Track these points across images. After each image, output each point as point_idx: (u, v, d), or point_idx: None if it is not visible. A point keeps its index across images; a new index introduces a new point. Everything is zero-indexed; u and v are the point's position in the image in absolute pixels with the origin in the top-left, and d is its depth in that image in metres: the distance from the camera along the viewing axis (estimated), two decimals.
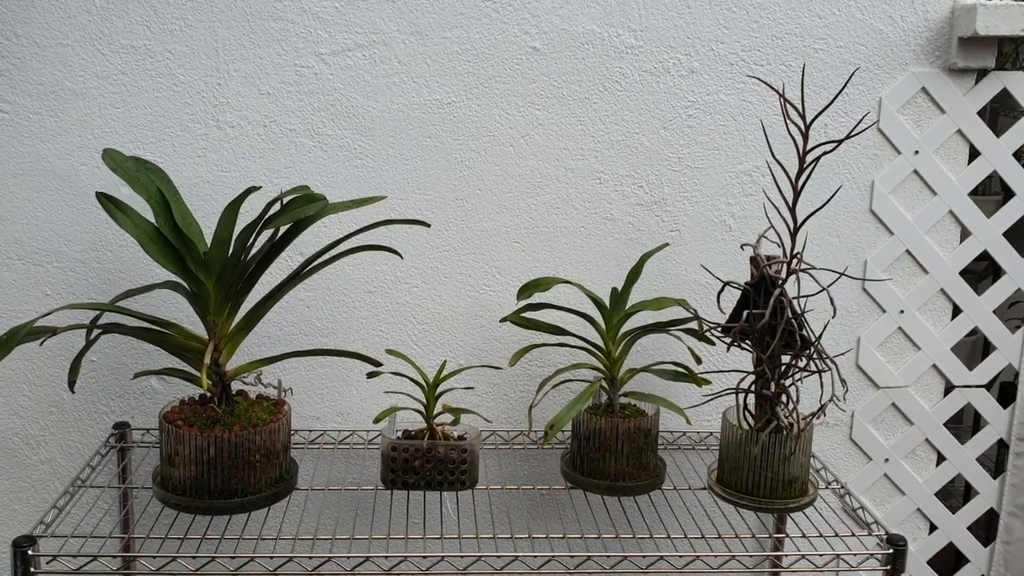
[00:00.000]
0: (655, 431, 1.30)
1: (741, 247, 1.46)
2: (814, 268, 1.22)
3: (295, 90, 1.38)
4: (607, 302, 1.31)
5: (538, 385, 1.35)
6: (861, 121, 1.42)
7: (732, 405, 1.27)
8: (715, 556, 1.15)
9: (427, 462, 1.27)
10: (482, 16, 1.38)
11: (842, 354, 1.49)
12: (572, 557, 1.14)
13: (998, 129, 1.48)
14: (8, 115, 1.36)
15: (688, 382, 1.31)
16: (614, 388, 1.31)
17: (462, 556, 1.13)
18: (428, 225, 1.27)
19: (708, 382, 1.31)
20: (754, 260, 1.22)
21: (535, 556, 1.13)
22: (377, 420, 1.28)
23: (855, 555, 1.16)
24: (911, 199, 1.47)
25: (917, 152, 1.45)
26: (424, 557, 1.12)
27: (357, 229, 1.23)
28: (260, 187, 1.19)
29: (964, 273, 1.51)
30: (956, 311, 1.52)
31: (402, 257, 1.38)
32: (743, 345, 1.25)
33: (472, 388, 1.46)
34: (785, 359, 1.22)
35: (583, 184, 1.44)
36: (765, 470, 1.21)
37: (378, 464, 1.37)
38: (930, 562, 1.60)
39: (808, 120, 1.16)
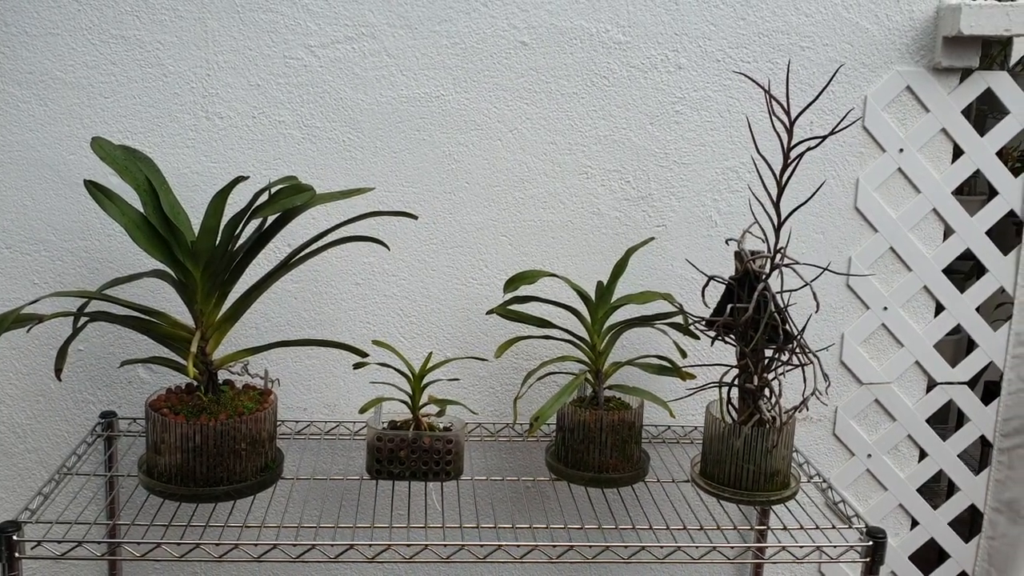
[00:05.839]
0: (639, 424, 1.31)
1: (726, 242, 1.47)
2: (797, 263, 1.23)
3: (284, 82, 1.39)
4: (593, 295, 1.32)
5: (523, 377, 1.36)
6: (845, 117, 1.43)
7: (716, 399, 1.28)
8: (696, 547, 1.16)
9: (412, 452, 1.27)
10: (471, 10, 1.39)
11: (825, 348, 1.50)
12: (554, 547, 1.15)
13: (985, 131, 1.49)
14: None
15: (672, 376, 1.32)
16: (599, 381, 1.32)
17: (445, 545, 1.13)
18: (415, 217, 1.28)
19: (692, 376, 1.32)
20: (738, 255, 1.23)
21: (518, 546, 1.14)
22: (363, 410, 1.29)
23: (835, 547, 1.17)
24: (895, 197, 1.49)
25: (901, 150, 1.46)
26: (408, 545, 1.13)
27: (344, 220, 1.23)
28: (248, 177, 1.19)
29: (951, 273, 1.53)
30: (939, 309, 1.53)
31: (389, 249, 1.39)
32: (727, 339, 1.26)
33: (458, 379, 1.47)
34: (768, 353, 1.23)
35: (570, 179, 1.45)
36: (747, 463, 1.22)
37: (364, 455, 1.37)
38: (911, 558, 1.61)
39: (793, 116, 1.17)
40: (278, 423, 1.32)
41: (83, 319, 1.17)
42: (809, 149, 1.19)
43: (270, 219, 1.21)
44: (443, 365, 1.37)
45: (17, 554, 1.06)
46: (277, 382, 1.46)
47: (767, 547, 1.21)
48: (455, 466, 1.29)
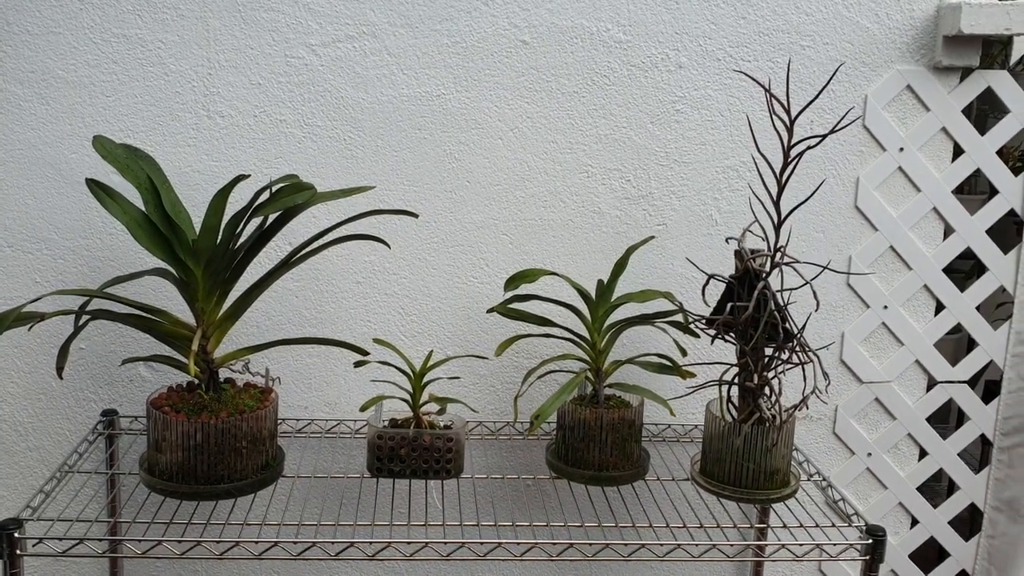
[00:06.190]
0: (639, 422, 1.31)
1: (726, 241, 1.47)
2: (797, 262, 1.23)
3: (285, 81, 1.39)
4: (593, 294, 1.33)
5: (524, 376, 1.36)
6: (845, 116, 1.44)
7: (716, 397, 1.28)
8: (696, 545, 1.16)
9: (413, 451, 1.28)
10: (472, 9, 1.39)
11: (825, 347, 1.50)
12: (554, 545, 1.15)
13: (986, 131, 1.49)
14: None
15: (673, 374, 1.33)
16: (599, 379, 1.33)
17: (445, 543, 1.14)
18: (416, 215, 1.29)
19: (693, 374, 1.32)
20: (738, 253, 1.23)
21: (518, 543, 1.14)
22: (364, 408, 1.29)
23: (835, 545, 1.17)
24: (896, 196, 1.49)
25: (902, 149, 1.46)
26: (408, 543, 1.13)
27: (345, 219, 1.24)
28: (249, 175, 1.19)
29: (952, 273, 1.53)
30: (939, 307, 1.53)
31: (390, 247, 1.40)
32: (727, 337, 1.26)
33: (458, 378, 1.48)
34: (768, 351, 1.23)
35: (571, 177, 1.45)
36: (747, 461, 1.22)
37: (364, 453, 1.38)
38: (912, 556, 1.61)
39: (793, 115, 1.17)
40: (279, 421, 1.32)
41: (84, 317, 1.17)
42: (809, 148, 1.19)
43: (271, 217, 1.21)
44: (444, 363, 1.37)
45: (18, 551, 1.06)
46: (278, 380, 1.46)
47: (767, 545, 1.21)
48: (455, 464, 1.29)
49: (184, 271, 1.19)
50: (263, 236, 1.22)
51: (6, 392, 1.46)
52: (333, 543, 1.12)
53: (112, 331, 1.44)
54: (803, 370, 1.22)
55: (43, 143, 1.39)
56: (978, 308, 1.54)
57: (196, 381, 1.23)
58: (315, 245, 1.23)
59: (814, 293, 1.24)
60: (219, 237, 1.18)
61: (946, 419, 2.00)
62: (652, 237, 1.41)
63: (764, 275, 1.20)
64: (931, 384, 1.55)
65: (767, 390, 1.24)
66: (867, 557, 1.16)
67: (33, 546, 1.07)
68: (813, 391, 1.22)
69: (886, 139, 1.46)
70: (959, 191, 1.50)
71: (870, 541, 1.16)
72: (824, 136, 1.20)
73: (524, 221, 1.46)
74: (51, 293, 1.17)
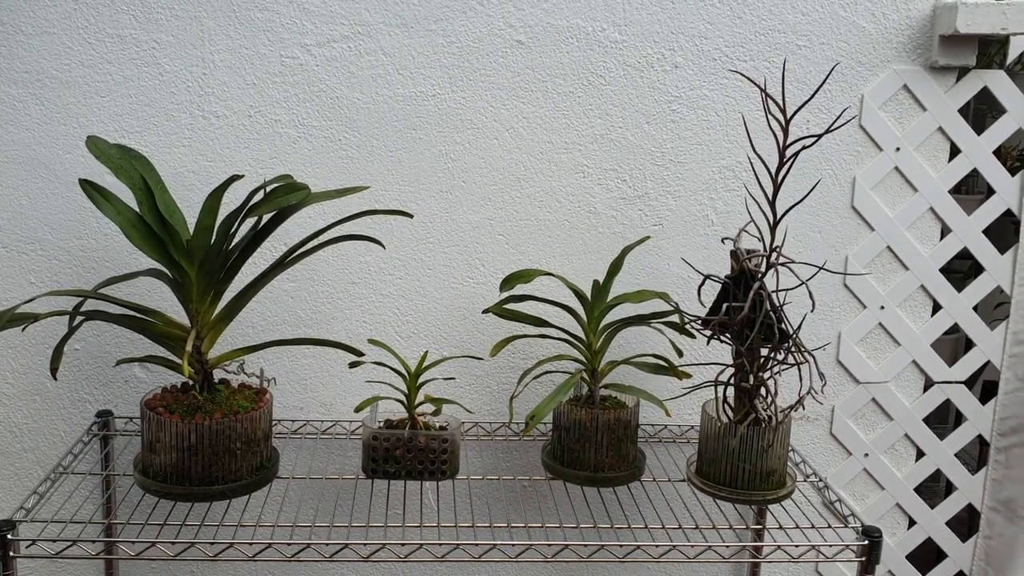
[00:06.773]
0: (635, 423, 1.31)
1: (722, 241, 1.47)
2: (793, 262, 1.23)
3: (280, 80, 1.39)
4: (589, 294, 1.32)
5: (519, 376, 1.36)
6: (841, 115, 1.43)
7: (712, 398, 1.28)
8: (692, 546, 1.16)
9: (408, 452, 1.27)
10: (467, 9, 1.39)
11: (822, 348, 1.50)
12: (550, 546, 1.15)
13: (983, 130, 1.49)
14: None
15: (668, 375, 1.32)
16: (595, 380, 1.32)
17: (440, 544, 1.13)
18: (411, 216, 1.28)
19: (689, 375, 1.32)
20: (734, 254, 1.23)
21: (513, 545, 1.14)
22: (358, 409, 1.29)
23: (831, 546, 1.17)
24: (892, 196, 1.48)
25: (898, 149, 1.46)
26: (403, 544, 1.13)
27: (340, 219, 1.23)
28: (243, 175, 1.19)
29: (949, 273, 1.53)
30: (936, 307, 1.53)
31: (384, 248, 1.39)
32: (723, 338, 1.26)
33: (454, 378, 1.47)
34: (764, 352, 1.23)
35: (567, 177, 1.45)
36: (743, 462, 1.22)
37: (360, 454, 1.37)
38: (909, 557, 1.61)
39: (789, 115, 1.17)
40: (274, 422, 1.32)
41: (79, 318, 1.17)
42: (805, 148, 1.19)
43: (265, 218, 1.21)
44: (439, 364, 1.37)
45: (12, 553, 1.06)
46: (273, 381, 1.46)
47: (763, 546, 1.21)
48: (451, 465, 1.29)
49: (178, 272, 1.19)
50: (257, 236, 1.21)
51: (1, 393, 1.45)
52: (328, 544, 1.12)
53: (107, 332, 1.44)
54: (799, 371, 1.22)
55: (37, 143, 1.38)
56: (975, 308, 1.54)
57: (190, 382, 1.23)
58: (310, 245, 1.23)
59: (810, 293, 1.23)
60: (213, 237, 1.17)
61: (944, 419, 2.00)
62: (648, 237, 1.41)
63: (760, 275, 1.20)
64: (928, 384, 1.55)
65: (763, 391, 1.23)
66: (863, 558, 1.16)
67: (27, 548, 1.07)
68: (809, 392, 1.22)
69: (882, 139, 1.46)
70: (956, 191, 1.50)
71: (866, 542, 1.16)
72: (820, 136, 1.20)
73: (520, 221, 1.46)
74: (45, 294, 1.17)
